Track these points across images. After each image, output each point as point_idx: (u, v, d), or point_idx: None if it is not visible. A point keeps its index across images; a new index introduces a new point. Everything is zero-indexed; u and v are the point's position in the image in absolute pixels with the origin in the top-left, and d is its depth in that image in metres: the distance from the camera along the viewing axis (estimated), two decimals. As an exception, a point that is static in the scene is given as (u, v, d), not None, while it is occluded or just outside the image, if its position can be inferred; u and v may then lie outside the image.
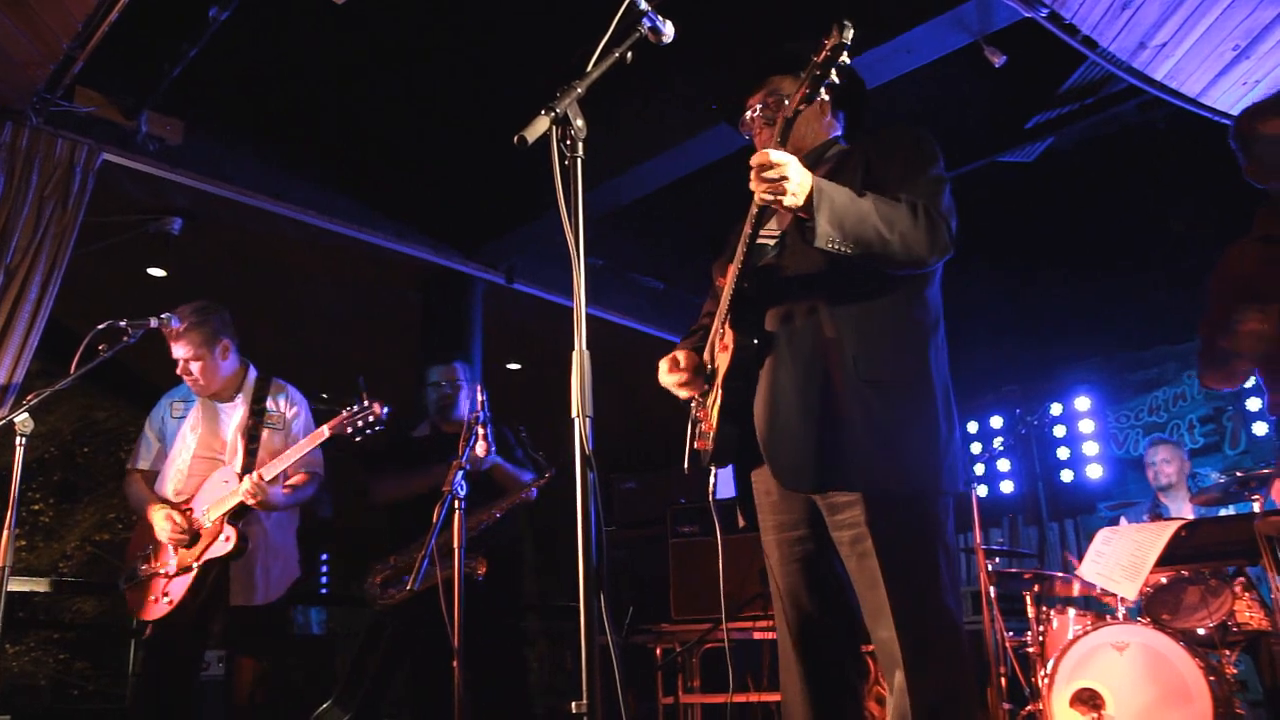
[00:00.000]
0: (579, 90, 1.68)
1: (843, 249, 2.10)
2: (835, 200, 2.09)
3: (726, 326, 2.30)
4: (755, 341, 2.25)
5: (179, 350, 3.68)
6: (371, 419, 3.39)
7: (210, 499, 3.54)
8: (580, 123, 1.67)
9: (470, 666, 3.90)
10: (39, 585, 4.70)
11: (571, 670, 5.35)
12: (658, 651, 4.91)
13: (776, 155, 2.07)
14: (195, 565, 3.48)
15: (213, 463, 3.65)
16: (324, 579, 13.14)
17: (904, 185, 2.23)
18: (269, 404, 3.78)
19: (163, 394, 3.86)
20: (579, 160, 1.66)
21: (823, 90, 2.06)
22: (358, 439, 3.42)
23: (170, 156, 4.72)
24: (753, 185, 2.11)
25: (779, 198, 2.07)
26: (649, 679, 4.89)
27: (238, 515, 3.50)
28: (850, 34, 1.97)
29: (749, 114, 2.49)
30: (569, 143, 1.67)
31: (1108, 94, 4.95)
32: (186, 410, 3.74)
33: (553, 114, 1.63)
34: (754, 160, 2.09)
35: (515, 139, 1.61)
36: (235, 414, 3.73)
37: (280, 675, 3.79)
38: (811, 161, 2.41)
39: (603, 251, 6.42)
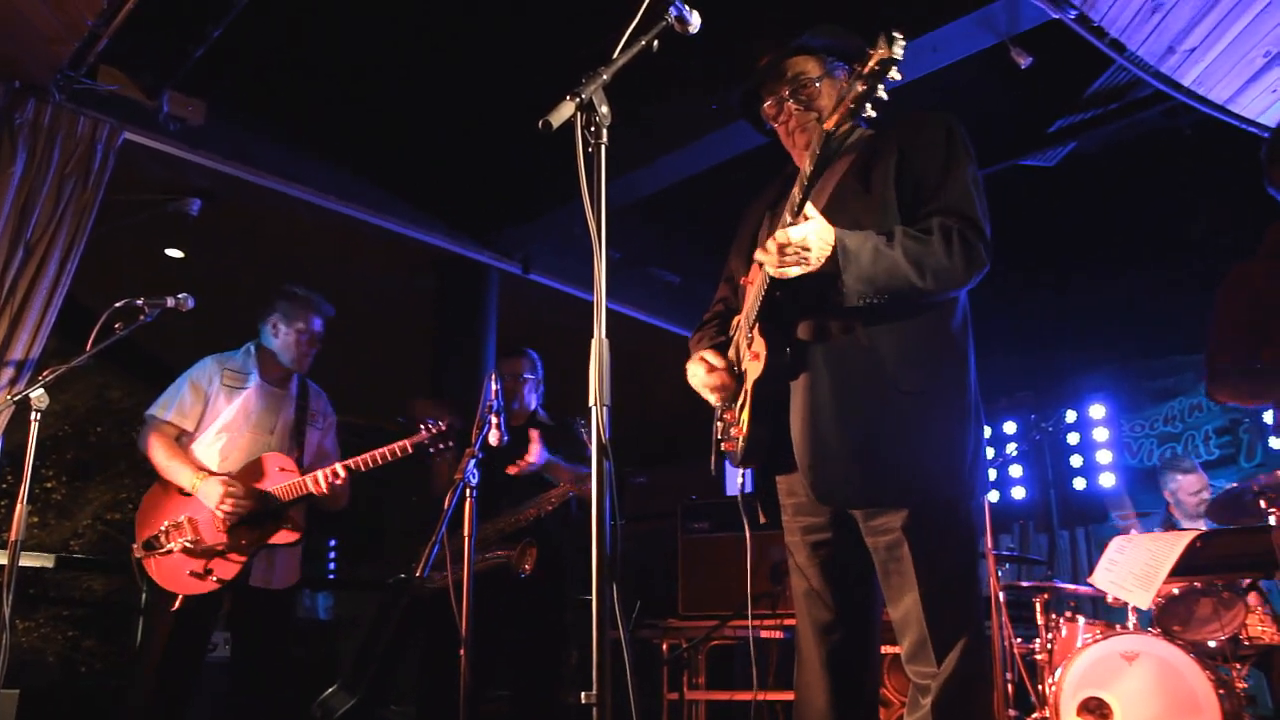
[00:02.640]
0: (605, 77, 1.67)
1: (875, 301, 2.09)
2: (861, 258, 2.06)
3: (756, 333, 2.26)
4: (788, 351, 2.22)
5: (319, 323, 3.74)
6: (451, 442, 3.51)
7: (272, 483, 3.52)
8: (605, 109, 1.65)
9: (503, 659, 3.91)
10: (45, 561, 4.67)
11: (576, 664, 5.34)
12: (664, 647, 4.90)
13: (795, 234, 2.04)
14: (253, 548, 3.46)
15: (260, 445, 3.63)
16: (331, 565, 13.19)
17: (937, 195, 2.19)
18: (312, 403, 3.81)
19: (195, 361, 3.76)
20: (603, 147, 1.65)
21: (868, 107, 1.92)
22: (432, 453, 3.53)
23: (191, 137, 4.72)
24: (769, 263, 2.07)
25: (804, 269, 2.06)
26: (654, 674, 4.89)
27: (294, 504, 3.52)
28: (901, 47, 1.82)
29: (769, 102, 2.42)
30: (593, 129, 1.65)
31: (1133, 99, 4.91)
32: (245, 384, 3.67)
33: (578, 99, 1.62)
34: (772, 244, 2.06)
35: (540, 123, 1.60)
36: (288, 405, 3.74)
37: (287, 659, 3.80)
38: (836, 148, 2.35)
39: (619, 244, 6.40)
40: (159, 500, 3.54)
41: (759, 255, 2.12)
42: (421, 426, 3.50)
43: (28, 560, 4.03)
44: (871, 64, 1.85)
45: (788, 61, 2.38)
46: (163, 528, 3.46)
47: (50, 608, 9.09)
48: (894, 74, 1.85)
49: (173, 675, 3.40)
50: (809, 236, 2.04)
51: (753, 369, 2.26)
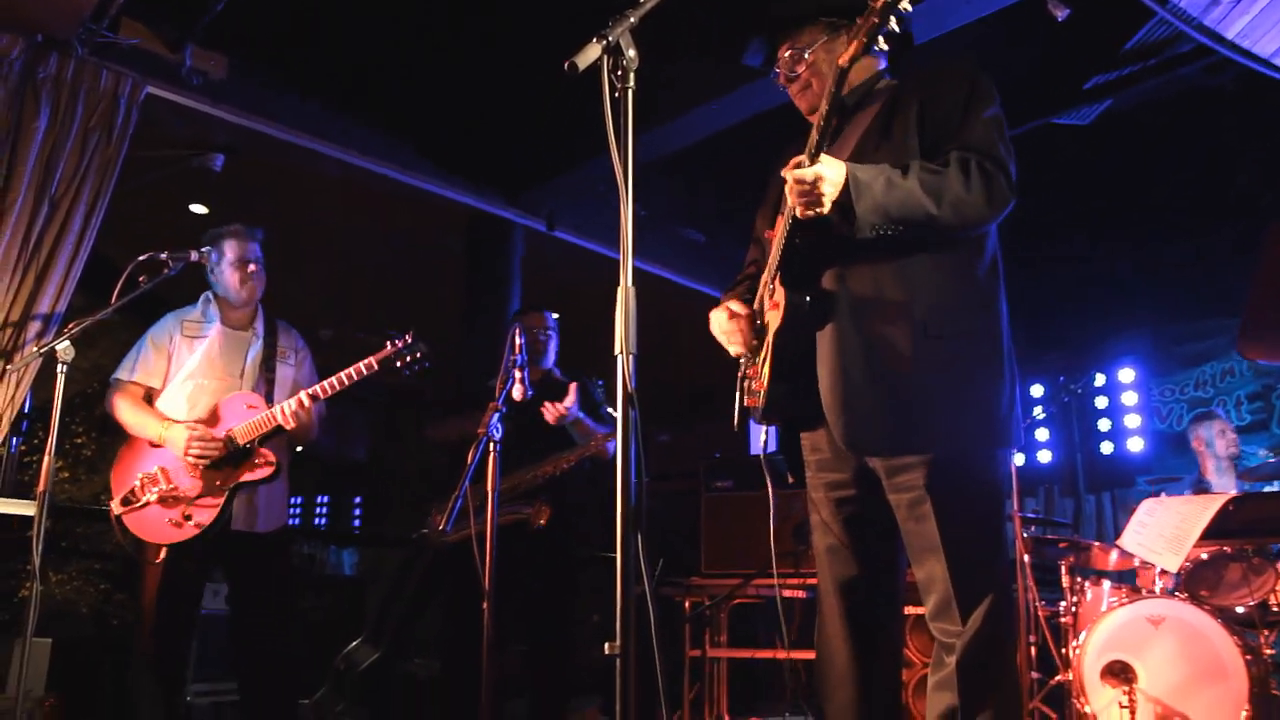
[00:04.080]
0: (632, 19, 1.63)
1: (888, 231, 2.05)
2: (875, 187, 2.04)
3: (777, 283, 2.23)
4: (809, 300, 2.18)
5: (253, 248, 3.67)
6: (420, 355, 3.42)
7: (236, 421, 3.50)
8: (632, 53, 1.61)
9: (517, 614, 3.93)
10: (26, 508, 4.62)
11: (598, 622, 5.37)
12: (686, 604, 4.92)
13: (807, 172, 2.02)
14: (227, 488, 3.45)
15: (228, 388, 3.60)
16: (356, 521, 13.33)
17: (958, 134, 2.15)
18: (281, 339, 3.78)
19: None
20: (630, 92, 1.61)
21: (881, 40, 1.92)
22: (406, 374, 3.44)
23: (214, 91, 4.69)
24: (789, 198, 2.07)
25: (819, 209, 2.04)
26: (676, 632, 4.91)
27: (265, 439, 3.49)
28: None
29: (787, 53, 2.38)
30: (620, 73, 1.61)
31: (1173, 54, 4.77)
32: (204, 332, 3.65)
33: (605, 42, 1.58)
34: (786, 172, 2.06)
35: (565, 65, 1.56)
36: (254, 345, 3.71)
37: (290, 609, 3.79)
38: (859, 97, 2.36)
39: (644, 203, 6.35)
40: (129, 455, 3.54)
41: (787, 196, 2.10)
42: (387, 342, 3.44)
43: (19, 509, 4.00)
44: None
45: (793, 31, 2.37)
46: (136, 480, 3.45)
47: (82, 561, 9.23)
48: (905, 4, 1.85)
49: (167, 630, 3.40)
50: (823, 171, 2.03)
51: (773, 319, 2.23)
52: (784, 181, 2.30)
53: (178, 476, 3.43)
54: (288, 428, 3.45)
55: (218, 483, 3.44)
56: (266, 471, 3.50)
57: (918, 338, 2.10)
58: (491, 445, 2.99)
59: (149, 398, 3.61)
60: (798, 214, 2.08)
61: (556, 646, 3.99)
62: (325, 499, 13.24)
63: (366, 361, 3.46)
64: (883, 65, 2.42)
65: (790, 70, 2.37)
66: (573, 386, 3.89)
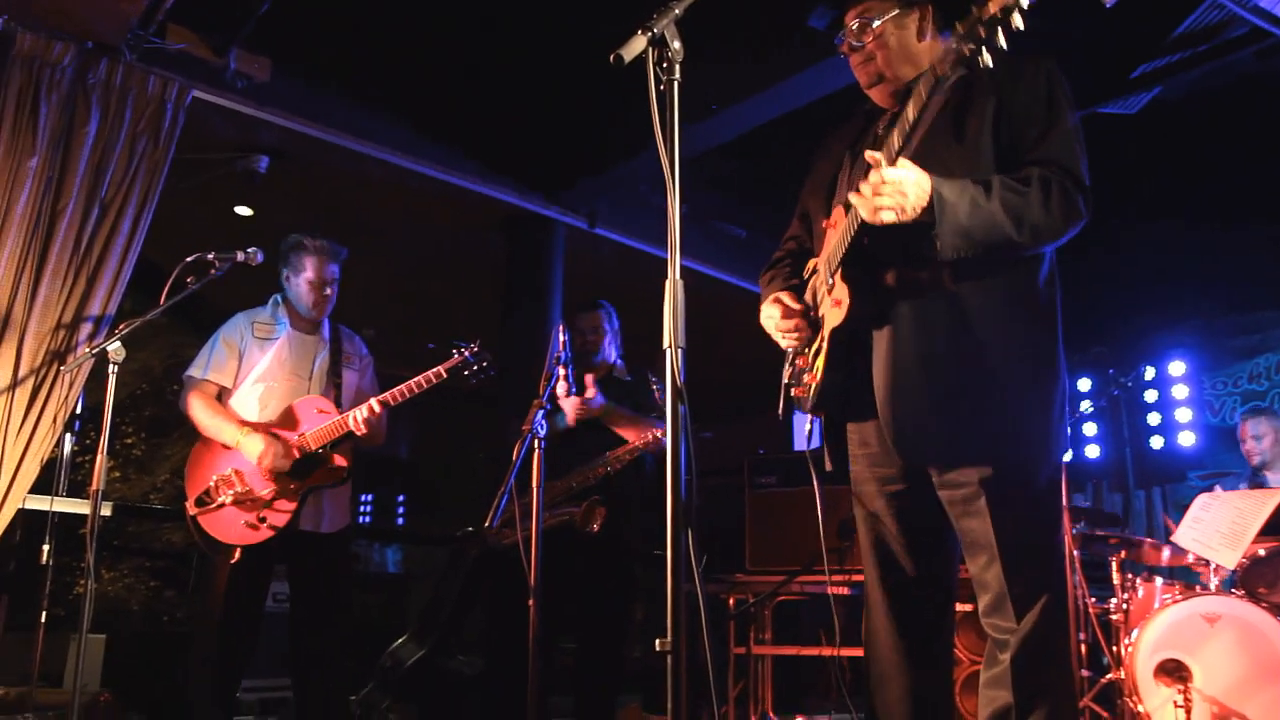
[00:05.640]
0: (677, 11, 1.62)
1: (969, 254, 2.02)
2: (959, 210, 1.98)
3: (838, 279, 2.18)
4: (867, 292, 2.15)
5: (332, 269, 3.73)
6: (486, 364, 3.46)
7: (310, 425, 3.56)
8: (678, 45, 1.60)
9: (571, 618, 3.91)
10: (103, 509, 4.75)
11: (644, 620, 5.36)
12: (730, 601, 4.90)
13: (893, 175, 1.97)
14: (301, 492, 3.51)
15: (296, 390, 3.66)
16: (400, 519, 13.44)
17: (1038, 145, 2.10)
18: (345, 345, 3.83)
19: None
20: (675, 84, 1.59)
21: (986, 53, 1.81)
22: (473, 382, 3.48)
23: (258, 94, 4.75)
24: (864, 206, 2.00)
25: (903, 213, 1.98)
26: (722, 629, 4.89)
27: (335, 444, 3.55)
28: None
29: (854, 22, 2.28)
30: (665, 65, 1.60)
31: (1223, 40, 4.66)
32: (275, 334, 3.71)
33: (650, 34, 1.57)
34: (867, 187, 1.99)
35: (611, 57, 1.55)
36: (321, 349, 3.77)
37: (349, 606, 3.85)
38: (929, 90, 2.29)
39: (685, 198, 6.32)
40: (204, 456, 3.59)
41: (853, 198, 2.05)
42: (454, 351, 3.47)
43: (106, 511, 4.11)
44: (993, 8, 1.77)
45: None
46: (211, 482, 3.50)
47: (133, 558, 9.41)
48: (1016, 21, 1.74)
49: (234, 628, 3.46)
50: (906, 180, 1.97)
51: (832, 315, 2.19)
52: (840, 166, 2.25)
53: (253, 479, 3.48)
54: (359, 434, 3.50)
55: (292, 486, 3.50)
56: (339, 476, 3.57)
57: (977, 348, 2.08)
58: (536, 442, 3.00)
59: (219, 396, 3.66)
60: (869, 218, 2.02)
61: (610, 645, 3.96)
62: (369, 497, 13.38)
63: (435, 370, 3.48)
64: None
65: (857, 39, 2.28)
66: (589, 379, 3.86)
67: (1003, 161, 2.10)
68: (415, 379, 3.49)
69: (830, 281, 2.22)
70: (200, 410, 3.60)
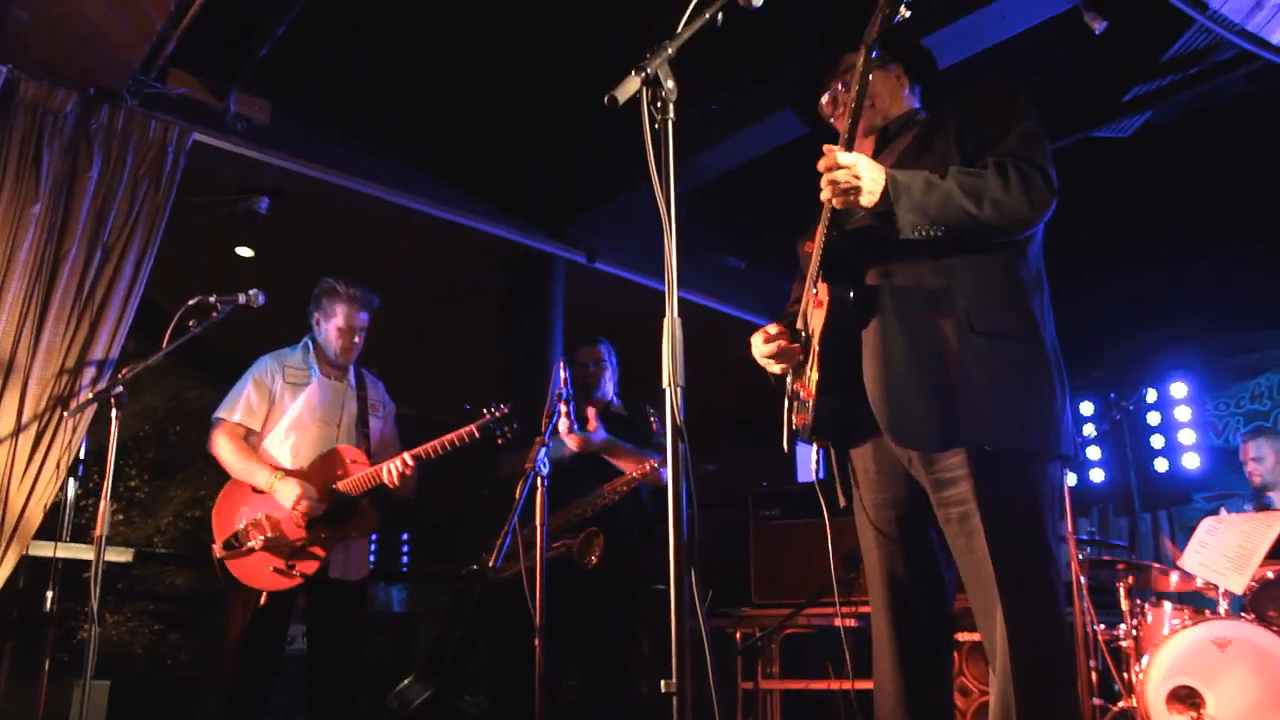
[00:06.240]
0: (669, 51, 1.64)
1: (932, 233, 2.06)
2: (913, 188, 2.06)
3: (819, 283, 2.23)
4: (852, 294, 2.19)
5: (363, 318, 3.75)
6: (516, 425, 3.48)
7: (344, 475, 3.56)
8: (671, 84, 1.62)
9: (572, 650, 3.89)
10: (125, 555, 4.76)
11: (651, 652, 5.32)
12: (737, 636, 4.86)
13: (845, 156, 2.05)
14: (333, 541, 3.51)
15: (327, 438, 3.67)
16: (405, 558, 13.37)
17: (996, 145, 2.17)
18: (370, 392, 3.84)
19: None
20: (669, 122, 1.61)
21: (902, 8, 1.96)
22: (501, 441, 3.50)
23: (258, 136, 4.80)
24: (824, 192, 2.09)
25: (854, 198, 2.06)
26: (728, 664, 4.86)
27: (367, 494, 3.56)
28: None
29: (826, 96, 2.48)
30: (659, 104, 1.62)
31: (1214, 62, 4.70)
32: (308, 380, 3.71)
33: (644, 74, 1.59)
34: (821, 164, 2.07)
35: (606, 99, 1.57)
36: (350, 397, 3.78)
37: (364, 652, 3.85)
38: (897, 128, 2.42)
39: (683, 230, 6.35)
40: (234, 498, 3.58)
41: (823, 192, 2.12)
42: (485, 411, 3.49)
43: (112, 555, 4.10)
44: None
45: (844, 56, 2.44)
46: (240, 526, 3.49)
47: (137, 602, 9.35)
48: None
49: (253, 671, 3.44)
50: (859, 163, 2.05)
51: (816, 319, 2.23)
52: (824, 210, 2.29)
53: (284, 525, 3.48)
54: (391, 486, 3.50)
55: (323, 535, 3.50)
56: (371, 527, 3.60)
57: (961, 331, 2.10)
58: (539, 480, 2.99)
59: (246, 437, 3.65)
60: (833, 202, 2.10)
61: (612, 676, 3.94)
62: (374, 536, 13.31)
63: (468, 429, 3.49)
64: (916, 104, 2.48)
65: (834, 106, 2.47)
66: (591, 412, 3.87)
67: (967, 163, 2.18)
68: (448, 436, 3.50)
69: (814, 291, 2.25)
70: (230, 452, 3.58)
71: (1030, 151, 2.14)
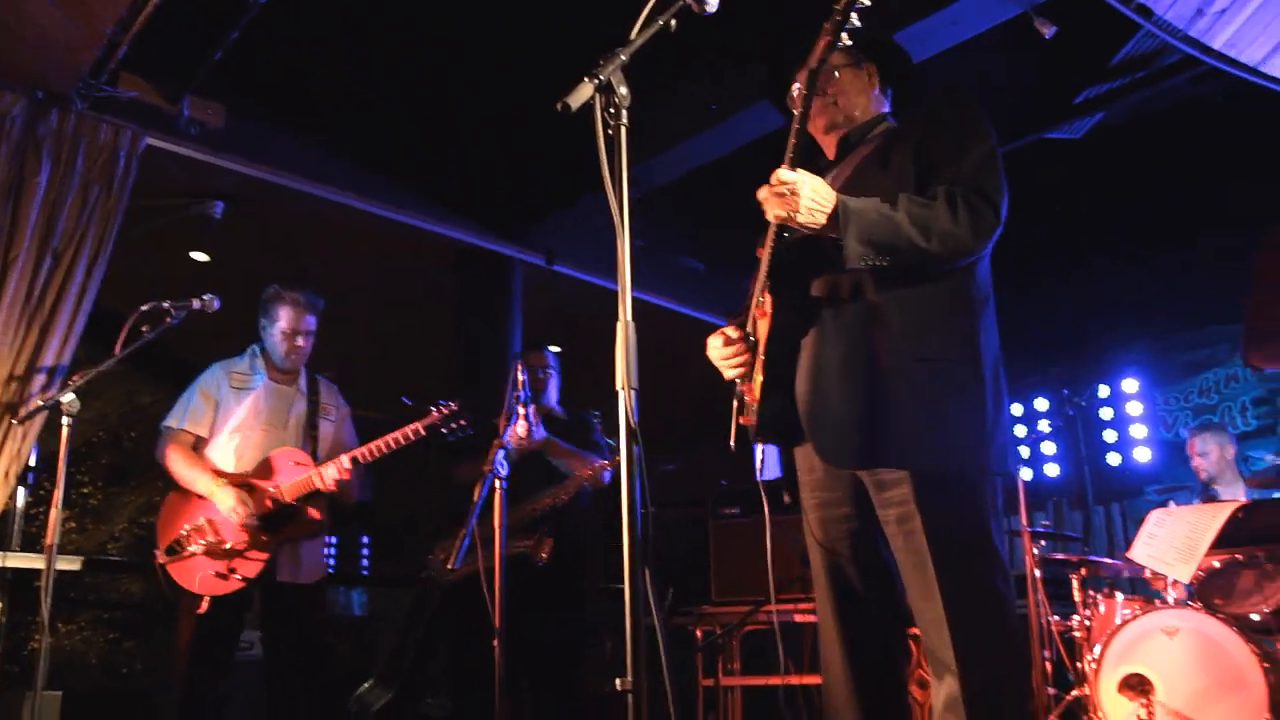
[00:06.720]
0: (623, 57, 1.65)
1: (878, 263, 2.08)
2: (863, 217, 2.08)
3: (765, 293, 2.25)
4: (795, 305, 2.22)
5: (308, 321, 3.74)
6: (464, 421, 3.46)
7: (285, 479, 3.54)
8: (624, 90, 1.63)
9: (524, 651, 3.90)
10: (75, 564, 4.69)
11: (612, 656, 5.34)
12: (698, 633, 4.89)
13: (786, 175, 2.07)
14: (273, 544, 3.49)
15: (274, 441, 3.66)
16: (365, 562, 13.26)
17: (950, 167, 2.18)
18: (323, 396, 3.83)
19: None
20: (623, 128, 1.63)
21: (844, 36, 2.00)
22: (450, 439, 3.49)
23: (211, 140, 4.74)
24: (765, 205, 2.11)
25: (792, 214, 2.07)
26: (689, 661, 4.88)
27: (309, 497, 3.54)
28: None
29: (796, 87, 2.43)
30: (613, 110, 1.63)
31: (1160, 67, 4.81)
32: (252, 385, 3.72)
33: (596, 81, 1.61)
34: (760, 194, 2.10)
35: (558, 105, 1.58)
36: (298, 400, 3.77)
37: (323, 655, 3.82)
38: (858, 137, 2.42)
39: (643, 233, 6.35)
40: (177, 505, 3.59)
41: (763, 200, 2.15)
42: (432, 408, 3.48)
43: (63, 564, 4.04)
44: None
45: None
46: (183, 531, 3.50)
47: (90, 611, 9.20)
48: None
49: (202, 678, 3.44)
50: (800, 181, 2.07)
51: (761, 328, 2.25)
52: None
53: (225, 529, 3.47)
54: (325, 491, 3.49)
55: (264, 538, 3.49)
56: (312, 529, 3.58)
57: (895, 353, 2.12)
58: (498, 482, 3.00)
59: (195, 446, 3.66)
60: (769, 217, 2.13)
61: (563, 675, 3.97)
62: (334, 540, 13.19)
63: (413, 427, 3.48)
64: (886, 109, 2.49)
65: (823, 89, 2.41)
66: (530, 410, 3.90)
67: (922, 183, 2.20)
68: (391, 435, 3.49)
69: (760, 299, 2.27)
70: (176, 460, 3.60)
71: (983, 182, 2.15)
